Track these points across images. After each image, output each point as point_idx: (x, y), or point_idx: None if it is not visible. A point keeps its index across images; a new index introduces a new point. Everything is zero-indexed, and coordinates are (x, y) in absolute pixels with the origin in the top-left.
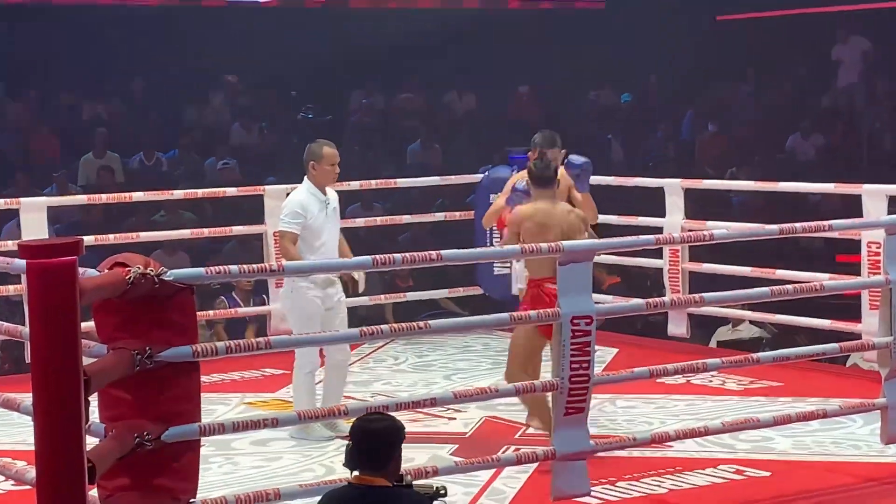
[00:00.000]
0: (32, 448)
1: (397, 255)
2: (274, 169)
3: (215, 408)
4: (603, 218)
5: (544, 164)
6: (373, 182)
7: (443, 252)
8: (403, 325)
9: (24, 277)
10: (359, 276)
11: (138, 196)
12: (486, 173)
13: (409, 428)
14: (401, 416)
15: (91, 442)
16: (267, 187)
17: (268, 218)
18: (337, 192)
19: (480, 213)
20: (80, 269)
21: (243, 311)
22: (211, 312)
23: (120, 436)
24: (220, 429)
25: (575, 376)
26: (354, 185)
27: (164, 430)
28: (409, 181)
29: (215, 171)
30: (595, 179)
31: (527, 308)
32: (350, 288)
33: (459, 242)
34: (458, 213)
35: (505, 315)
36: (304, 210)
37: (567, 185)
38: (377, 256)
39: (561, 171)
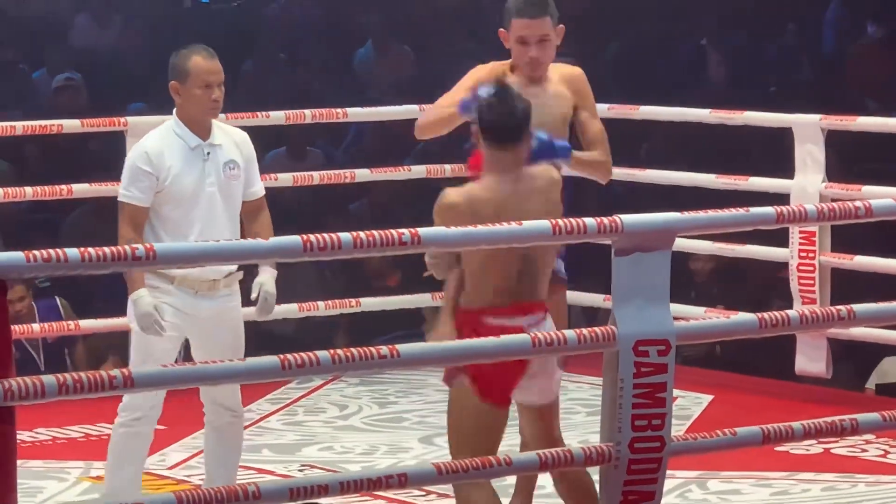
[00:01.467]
0: None
1: (345, 235)
2: (144, 90)
3: (44, 485)
4: (685, 177)
5: (505, 103)
6: (307, 113)
7: (422, 231)
8: (354, 351)
9: None
10: (264, 285)
11: None
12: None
13: None
14: (351, 502)
15: None
16: (130, 119)
17: None
18: (243, 129)
19: None
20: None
21: (89, 326)
22: (35, 327)
23: None
24: None
25: (640, 440)
26: (277, 117)
27: None
28: (367, 111)
29: (47, 92)
30: (678, 114)
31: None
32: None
33: None
34: (448, 167)
35: (525, 338)
36: (154, 164)
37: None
38: (310, 237)
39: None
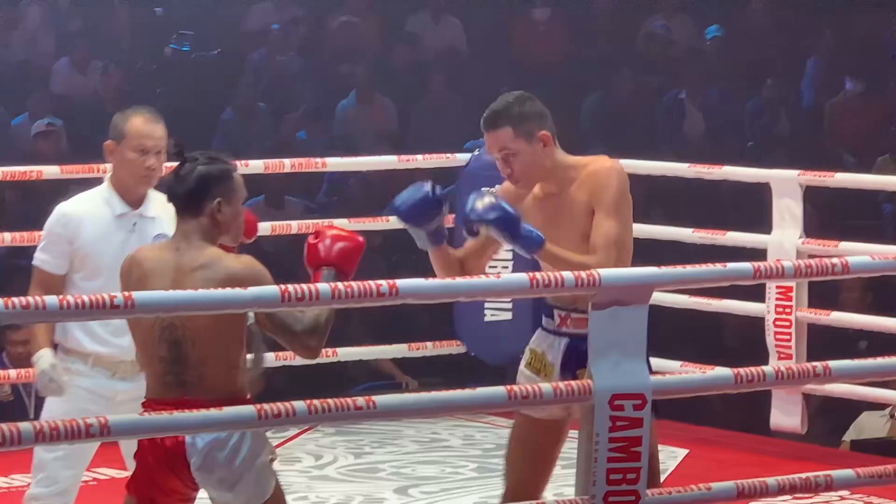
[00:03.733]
0: None
1: (323, 286)
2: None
3: None
4: (662, 231)
5: (184, 165)
6: (286, 162)
7: (399, 282)
8: (331, 402)
9: None
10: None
11: None
12: (477, 152)
13: None
14: None
15: None
16: (110, 166)
17: None
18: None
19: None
20: None
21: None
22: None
23: None
24: None
25: (615, 493)
26: (256, 165)
27: None
28: (348, 161)
29: (26, 138)
30: (656, 168)
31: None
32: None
33: (428, 266)
34: None
35: (499, 390)
36: (70, 229)
37: None
38: (288, 287)
39: None
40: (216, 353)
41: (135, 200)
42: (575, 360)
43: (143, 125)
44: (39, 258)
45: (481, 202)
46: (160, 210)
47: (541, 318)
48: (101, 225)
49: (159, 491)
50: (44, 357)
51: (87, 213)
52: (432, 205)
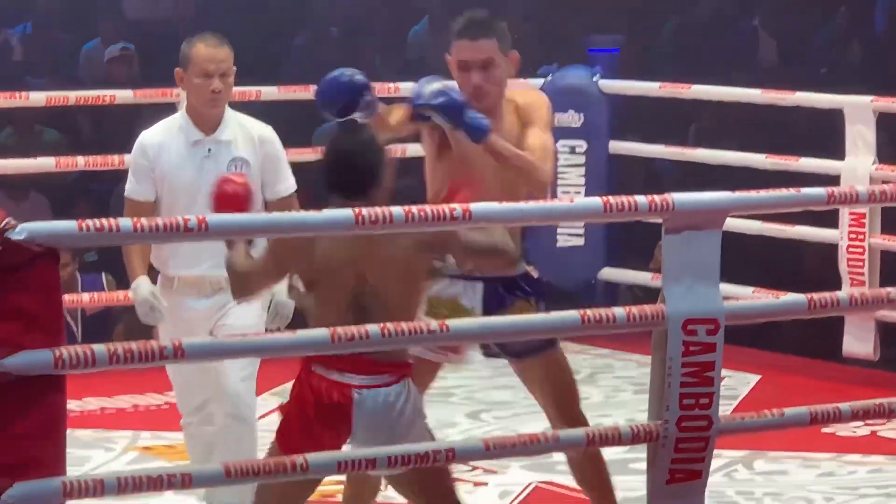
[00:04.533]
0: None
1: (397, 210)
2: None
3: (91, 454)
4: (735, 157)
5: (353, 134)
6: None
7: (473, 206)
8: (405, 326)
9: None
10: (276, 296)
11: None
12: (550, 76)
13: None
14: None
15: None
16: (183, 91)
17: None
18: (294, 103)
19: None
20: None
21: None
22: (85, 297)
23: None
24: (97, 488)
25: (688, 419)
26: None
27: (5, 486)
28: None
29: (100, 63)
30: (729, 94)
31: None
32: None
33: None
34: None
35: (573, 314)
36: (150, 157)
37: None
38: (362, 211)
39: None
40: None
41: (209, 126)
42: (496, 304)
43: (205, 50)
44: (128, 188)
45: (428, 88)
46: (236, 132)
47: (614, 243)
48: (177, 152)
49: (312, 444)
50: (142, 286)
51: (165, 141)
52: (349, 91)
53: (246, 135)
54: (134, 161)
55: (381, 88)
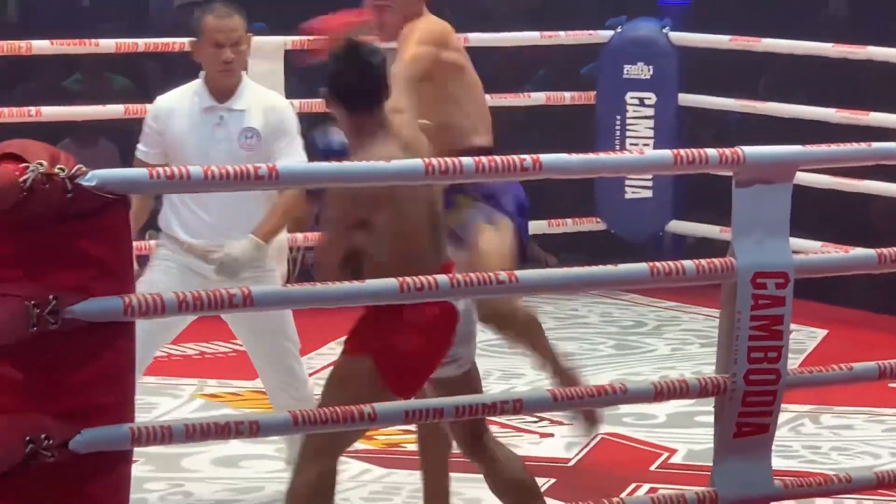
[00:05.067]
0: None
1: (467, 160)
2: (265, 10)
3: (157, 401)
4: (805, 111)
5: (358, 58)
6: None
7: (543, 157)
8: (473, 276)
9: None
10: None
11: (41, 46)
12: (619, 29)
13: None
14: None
15: None
16: (253, 39)
17: None
18: None
19: (606, 97)
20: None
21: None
22: (152, 243)
23: (2, 439)
24: (165, 435)
25: (756, 372)
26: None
27: (73, 432)
28: (490, 38)
29: (168, 9)
30: (800, 47)
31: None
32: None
33: (568, 143)
34: (567, 94)
35: (642, 266)
36: (160, 120)
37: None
38: (432, 161)
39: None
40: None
41: (224, 94)
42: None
43: (215, 21)
44: (138, 149)
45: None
46: (251, 102)
47: (682, 196)
48: (188, 117)
49: (426, 375)
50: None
51: (177, 106)
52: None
53: (260, 105)
54: (146, 124)
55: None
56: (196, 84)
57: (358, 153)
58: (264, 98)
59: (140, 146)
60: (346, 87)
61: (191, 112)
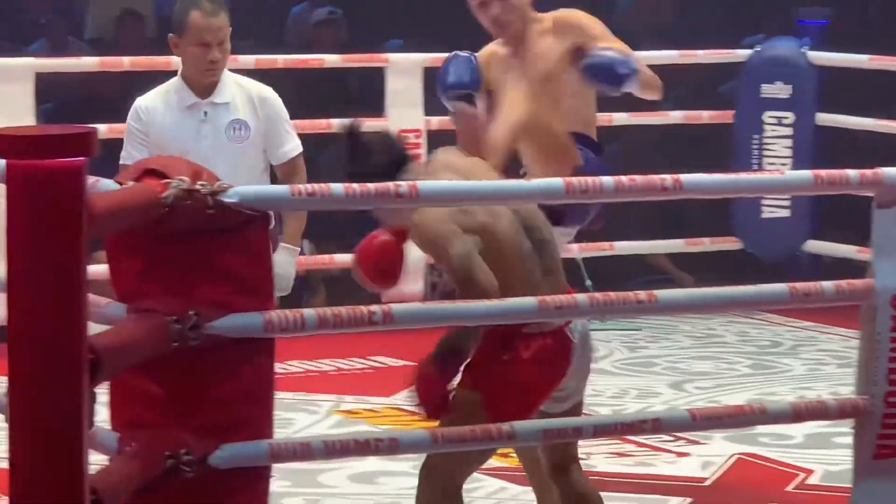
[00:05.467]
0: (3, 466)
1: (607, 179)
2: (405, 26)
3: (295, 416)
4: None
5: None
6: None
7: (683, 177)
8: (612, 295)
9: None
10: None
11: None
12: (757, 49)
13: (613, 467)
14: (599, 445)
15: (97, 461)
16: (391, 56)
17: (391, 108)
18: None
19: (744, 115)
20: (90, 179)
21: (341, 260)
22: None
23: (143, 453)
24: (304, 451)
25: (895, 394)
26: None
27: (213, 447)
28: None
29: (307, 26)
30: None
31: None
32: None
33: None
34: (705, 113)
35: (781, 287)
36: (144, 122)
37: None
38: (572, 180)
39: None
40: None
41: (204, 90)
42: None
43: (203, 19)
44: (123, 155)
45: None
46: (234, 93)
47: (819, 215)
48: (172, 116)
49: (534, 409)
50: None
51: (158, 107)
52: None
53: (244, 96)
54: (128, 127)
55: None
56: (175, 82)
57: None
58: (248, 87)
59: (124, 152)
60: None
61: (173, 111)
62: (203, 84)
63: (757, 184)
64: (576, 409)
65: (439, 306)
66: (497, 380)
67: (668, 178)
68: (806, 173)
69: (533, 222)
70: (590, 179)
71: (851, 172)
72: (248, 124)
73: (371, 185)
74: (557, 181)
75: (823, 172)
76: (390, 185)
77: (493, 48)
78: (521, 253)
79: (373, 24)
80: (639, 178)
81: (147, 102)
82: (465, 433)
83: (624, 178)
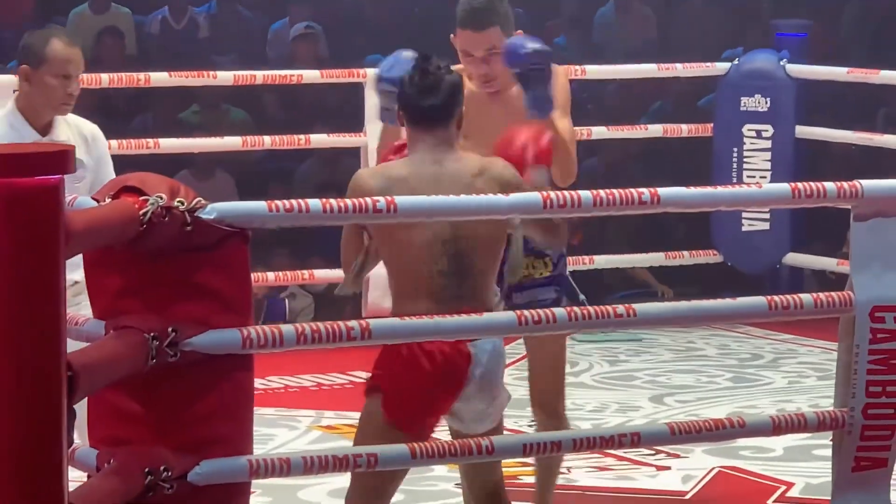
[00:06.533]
0: None
1: (585, 193)
2: (383, 41)
3: (275, 432)
4: None
5: (431, 75)
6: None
7: (662, 191)
8: (590, 309)
9: None
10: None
11: (159, 79)
12: (736, 62)
13: (594, 481)
14: (580, 459)
15: (76, 479)
16: (370, 71)
17: (368, 123)
18: None
19: (723, 129)
20: (67, 197)
21: (322, 276)
22: (270, 276)
23: (122, 470)
24: (284, 467)
25: (874, 406)
26: None
27: (192, 463)
28: (607, 70)
29: (285, 42)
30: None
31: (381, 388)
32: None
33: (684, 175)
34: (684, 126)
35: (760, 300)
36: None
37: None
38: (550, 194)
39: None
40: (491, 265)
41: (43, 126)
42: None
43: (66, 49)
44: None
45: (532, 45)
46: (69, 132)
47: (799, 228)
48: None
49: (428, 411)
50: None
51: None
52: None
53: (77, 133)
54: None
55: (569, 70)
56: (9, 115)
57: (401, 160)
58: (79, 125)
59: None
60: (411, 102)
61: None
62: (46, 119)
63: (734, 197)
64: (497, 432)
65: (417, 322)
66: (392, 377)
67: (645, 191)
68: (783, 186)
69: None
70: (567, 194)
71: (829, 185)
72: (84, 163)
73: (349, 201)
74: (536, 196)
75: (801, 185)
76: (369, 202)
77: (467, 83)
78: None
79: (351, 40)
80: (617, 192)
81: None
82: (443, 447)
83: (602, 192)
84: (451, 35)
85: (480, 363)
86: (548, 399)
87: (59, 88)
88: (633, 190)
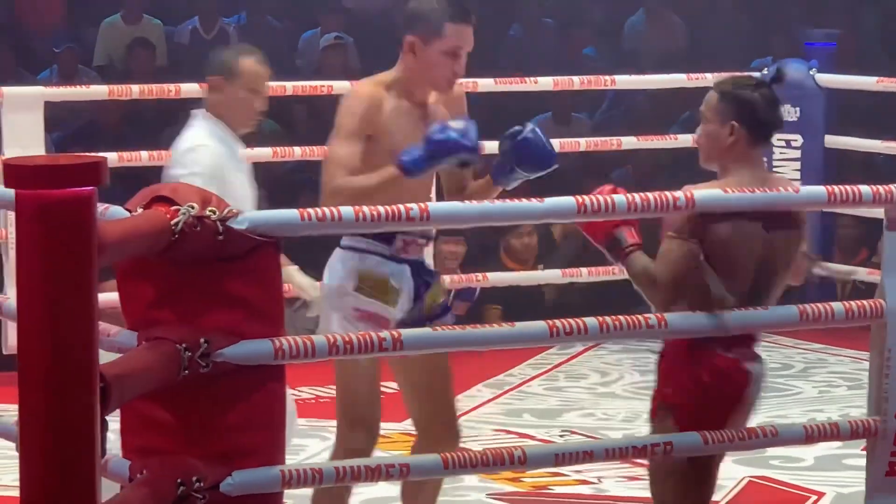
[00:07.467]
0: (14, 495)
1: (619, 198)
2: None
3: (307, 442)
4: None
5: (774, 98)
6: (575, 80)
7: (697, 193)
8: (622, 319)
9: (7, 216)
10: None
11: (189, 89)
12: (765, 71)
13: (624, 490)
14: (610, 468)
15: (109, 488)
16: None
17: None
18: (507, 95)
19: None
20: (100, 207)
21: None
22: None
23: (155, 480)
24: (316, 477)
25: None
26: (545, 82)
27: (224, 474)
28: (637, 80)
29: (315, 51)
30: None
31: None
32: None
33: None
34: None
35: (792, 309)
36: (220, 171)
37: None
38: (585, 199)
39: None
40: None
41: (235, 138)
42: (423, 285)
43: (259, 67)
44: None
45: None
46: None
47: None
48: (231, 164)
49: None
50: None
51: (220, 152)
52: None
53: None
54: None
55: (597, 81)
56: (208, 125)
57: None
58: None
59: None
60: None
61: (231, 159)
62: (241, 132)
63: (770, 200)
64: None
65: (448, 332)
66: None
67: (681, 195)
68: (819, 189)
69: None
70: (603, 198)
71: (864, 188)
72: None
73: (381, 209)
74: (570, 200)
75: (836, 188)
76: (402, 209)
77: (380, 92)
78: None
79: (381, 51)
80: (652, 196)
81: (211, 149)
82: (475, 456)
83: (637, 197)
84: (409, 36)
85: (756, 385)
86: (449, 416)
87: (250, 102)
88: (668, 193)
